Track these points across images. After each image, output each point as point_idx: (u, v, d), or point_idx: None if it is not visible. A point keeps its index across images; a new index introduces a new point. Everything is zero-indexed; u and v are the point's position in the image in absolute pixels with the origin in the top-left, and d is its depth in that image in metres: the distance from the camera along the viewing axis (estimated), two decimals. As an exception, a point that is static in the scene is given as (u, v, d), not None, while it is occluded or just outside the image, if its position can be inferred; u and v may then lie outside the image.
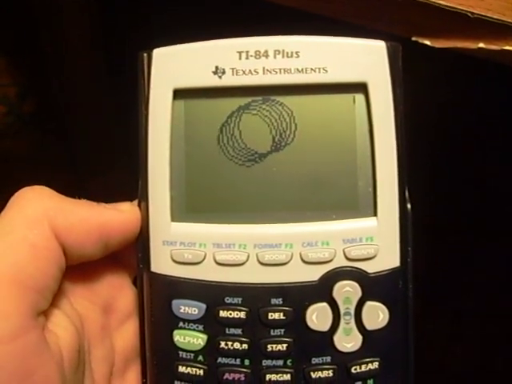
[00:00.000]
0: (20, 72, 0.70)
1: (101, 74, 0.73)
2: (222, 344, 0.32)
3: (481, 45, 0.36)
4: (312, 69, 0.31)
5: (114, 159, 0.74)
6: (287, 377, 0.31)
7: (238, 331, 0.32)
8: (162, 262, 0.32)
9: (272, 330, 0.31)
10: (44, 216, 0.29)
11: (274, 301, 0.31)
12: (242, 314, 0.31)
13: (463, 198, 0.69)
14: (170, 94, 0.32)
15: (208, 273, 0.32)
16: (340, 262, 0.31)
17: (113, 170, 0.73)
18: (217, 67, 0.31)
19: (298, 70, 0.31)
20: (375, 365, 0.32)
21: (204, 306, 0.32)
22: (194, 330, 0.32)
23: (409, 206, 0.32)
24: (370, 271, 0.32)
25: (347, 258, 0.31)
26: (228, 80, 0.31)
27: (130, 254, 0.33)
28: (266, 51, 0.31)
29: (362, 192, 0.32)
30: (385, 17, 0.37)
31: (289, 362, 0.32)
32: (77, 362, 0.30)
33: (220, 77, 0.31)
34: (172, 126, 0.32)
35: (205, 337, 0.32)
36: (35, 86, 0.71)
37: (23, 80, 0.70)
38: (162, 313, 0.32)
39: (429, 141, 0.61)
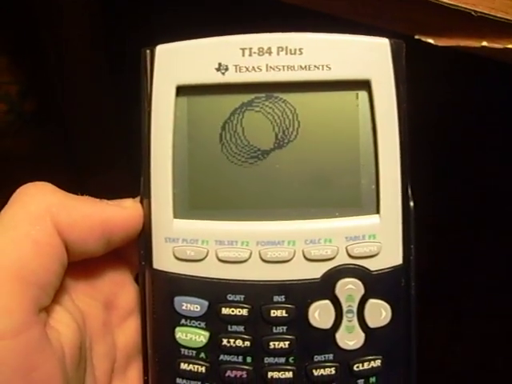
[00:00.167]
0: (21, 70, 0.70)
1: (101, 73, 0.73)
2: (224, 341, 0.31)
3: (484, 43, 0.36)
4: (315, 66, 0.31)
5: (114, 158, 0.74)
6: (289, 374, 0.31)
7: (241, 328, 0.31)
8: (164, 259, 0.32)
9: (274, 328, 0.31)
10: (47, 212, 0.29)
11: (276, 298, 0.31)
12: (245, 312, 0.31)
13: (463, 198, 0.69)
14: (173, 91, 0.32)
15: (210, 270, 0.31)
16: (343, 259, 0.31)
17: (113, 169, 0.73)
18: (220, 64, 0.31)
19: (301, 66, 0.31)
20: (377, 362, 0.32)
21: (206, 303, 0.32)
22: (196, 327, 0.32)
23: (411, 203, 0.32)
24: (372, 269, 0.32)
25: (350, 256, 0.31)
26: (231, 77, 0.31)
27: (132, 251, 0.33)
28: (270, 48, 0.31)
29: (365, 189, 0.32)
30: (388, 15, 0.37)
31: (291, 360, 0.32)
32: (78, 359, 0.30)
33: (223, 73, 0.31)
34: (175, 122, 0.32)
35: (207, 334, 0.32)
36: (36, 84, 0.71)
37: (24, 78, 0.70)
38: (164, 310, 0.32)
39: (429, 140, 0.61)
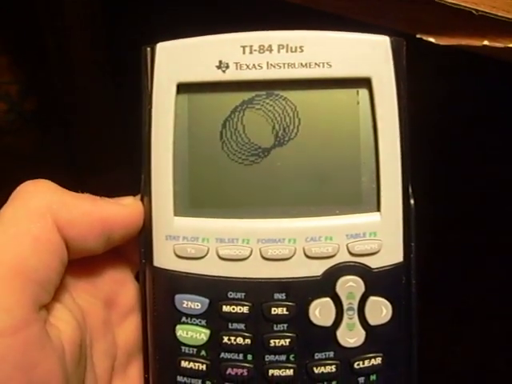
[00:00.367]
0: (22, 70, 0.70)
1: (102, 73, 0.73)
2: (225, 339, 0.31)
3: (485, 42, 0.36)
4: (316, 63, 0.31)
5: (115, 158, 0.74)
6: (290, 372, 0.31)
7: (241, 326, 0.31)
8: (164, 257, 0.32)
9: (275, 325, 0.31)
10: (47, 209, 0.29)
11: (277, 296, 0.31)
12: (245, 309, 0.31)
13: (463, 198, 0.69)
14: (174, 89, 0.32)
15: (211, 267, 0.32)
16: (343, 257, 0.31)
17: (113, 169, 0.73)
18: (220, 61, 0.31)
19: (301, 64, 0.31)
20: (378, 360, 0.32)
21: (207, 301, 0.32)
22: (196, 324, 0.32)
23: (412, 201, 0.32)
24: (373, 266, 0.32)
25: (350, 253, 0.31)
26: (232, 74, 0.31)
27: (133, 249, 0.33)
28: (270, 46, 0.31)
29: (366, 187, 0.32)
30: (389, 14, 0.37)
31: (292, 357, 0.32)
32: (78, 356, 0.30)
33: (224, 71, 0.31)
34: (175, 120, 0.32)
35: (208, 332, 0.32)
36: (36, 84, 0.71)
37: (24, 78, 0.70)
38: (165, 307, 0.32)
39: (429, 139, 0.61)
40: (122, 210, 0.32)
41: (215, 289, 0.31)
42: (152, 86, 0.32)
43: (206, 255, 0.31)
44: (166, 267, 0.32)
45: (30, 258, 0.28)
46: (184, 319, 0.32)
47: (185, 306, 0.32)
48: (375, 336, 0.32)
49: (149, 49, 0.32)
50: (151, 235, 0.32)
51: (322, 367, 0.31)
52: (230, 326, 0.32)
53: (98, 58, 0.72)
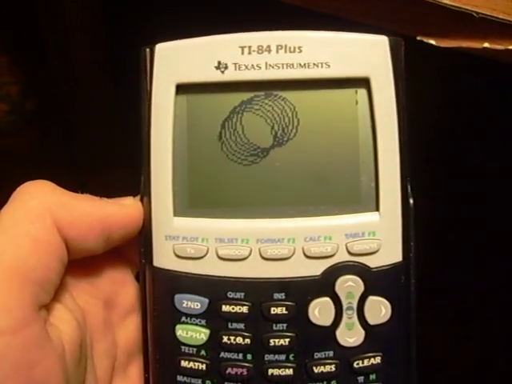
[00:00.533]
0: (22, 70, 0.70)
1: (102, 73, 0.73)
2: (225, 338, 0.32)
3: (486, 44, 0.36)
4: (314, 64, 0.31)
5: (115, 158, 0.74)
6: (289, 371, 0.31)
7: (241, 326, 0.32)
8: (164, 257, 0.32)
9: (274, 325, 0.31)
10: (46, 210, 0.30)
11: (276, 295, 0.31)
12: (245, 309, 0.31)
13: (463, 198, 0.69)
14: (173, 89, 0.32)
15: (210, 267, 0.32)
16: (342, 256, 0.32)
17: (113, 169, 0.73)
18: (219, 62, 0.31)
19: (300, 64, 0.31)
20: (377, 359, 0.32)
21: (206, 301, 0.32)
22: (196, 324, 0.32)
23: (411, 200, 0.32)
24: (372, 266, 0.32)
25: (350, 253, 0.31)
26: (230, 75, 0.31)
27: (133, 249, 0.33)
28: (269, 46, 0.31)
29: (365, 187, 0.32)
30: (390, 16, 0.37)
31: (291, 357, 0.32)
32: (79, 356, 0.30)
33: (222, 72, 0.31)
34: (174, 120, 0.32)
35: (207, 331, 0.32)
36: (37, 84, 0.71)
37: (25, 79, 0.70)
38: (165, 307, 0.32)
39: (428, 140, 0.61)
40: (122, 211, 0.32)
41: (215, 289, 0.32)
42: (151, 87, 0.32)
43: (205, 255, 0.32)
44: (166, 267, 0.32)
45: (29, 259, 0.28)
46: (184, 319, 0.32)
47: (184, 305, 0.32)
48: (374, 335, 0.32)
49: (148, 50, 0.32)
50: (151, 235, 0.32)
51: (322, 367, 0.31)
52: (229, 326, 0.32)
53: (98, 58, 0.72)
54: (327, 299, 0.32)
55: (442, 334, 0.68)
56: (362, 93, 0.32)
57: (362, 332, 0.32)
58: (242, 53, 0.31)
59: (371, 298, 0.32)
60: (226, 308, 0.31)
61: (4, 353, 0.26)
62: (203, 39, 0.32)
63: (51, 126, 0.73)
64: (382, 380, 0.32)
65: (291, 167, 0.32)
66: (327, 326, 0.32)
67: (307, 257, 0.31)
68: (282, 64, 0.31)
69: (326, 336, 0.32)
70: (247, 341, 0.31)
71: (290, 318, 0.31)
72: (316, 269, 0.32)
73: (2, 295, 0.27)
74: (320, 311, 0.31)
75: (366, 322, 0.32)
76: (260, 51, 0.31)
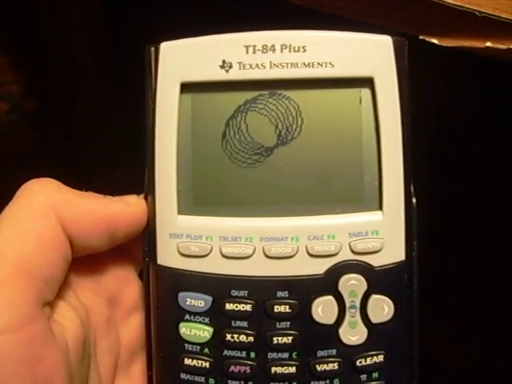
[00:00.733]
0: (23, 70, 0.70)
1: (103, 73, 0.73)
2: (228, 336, 0.32)
3: (488, 44, 0.36)
4: (319, 63, 0.31)
5: (115, 158, 0.74)
6: (292, 369, 0.32)
7: (244, 324, 0.32)
8: (168, 255, 0.32)
9: (278, 323, 0.32)
10: (51, 207, 0.30)
11: (279, 294, 0.32)
12: (248, 307, 0.31)
13: (463, 198, 0.69)
14: (177, 88, 0.32)
15: (214, 265, 0.32)
16: (346, 255, 0.32)
17: (115, 169, 0.73)
18: (224, 61, 0.31)
19: (304, 64, 0.31)
20: (380, 358, 0.32)
21: (210, 299, 0.32)
22: (200, 322, 0.32)
23: (414, 200, 0.32)
24: (375, 265, 0.32)
25: (353, 252, 0.32)
26: (235, 74, 0.31)
27: (136, 248, 0.33)
28: (273, 45, 0.31)
29: (368, 186, 0.32)
30: (392, 15, 0.37)
31: (294, 355, 0.32)
32: (82, 354, 0.30)
33: (227, 71, 0.31)
34: (179, 119, 0.32)
35: (211, 329, 0.32)
36: (38, 84, 0.71)
37: (26, 78, 0.70)
38: (168, 305, 0.32)
39: (429, 140, 0.61)
40: (126, 208, 0.32)
41: (218, 287, 0.32)
42: (156, 86, 0.32)
43: (209, 253, 0.32)
44: (170, 265, 0.32)
45: (33, 256, 0.28)
46: (187, 317, 0.32)
47: (188, 303, 0.32)
48: (377, 334, 0.32)
49: (153, 48, 0.32)
50: (155, 233, 0.32)
51: (325, 365, 0.32)
52: (233, 324, 0.32)
53: (99, 58, 0.73)
54: (330, 298, 0.32)
55: (442, 333, 0.68)
56: (365, 92, 0.32)
57: (365, 330, 0.32)
58: (247, 52, 0.31)
59: (374, 297, 0.32)
60: (229, 306, 0.32)
61: (9, 349, 0.27)
62: (208, 38, 0.32)
63: (51, 126, 0.73)
64: (385, 378, 0.32)
65: (295, 166, 0.32)
66: (330, 325, 0.32)
67: (311, 255, 0.32)
68: (287, 63, 0.31)
69: (329, 334, 0.32)
70: (250, 339, 0.32)
71: (293, 317, 0.32)
72: (319, 267, 0.32)
73: (7, 292, 0.27)
74: (323, 309, 0.32)
75: (369, 320, 0.32)
76: (264, 50, 0.31)
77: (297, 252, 0.31)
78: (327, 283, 0.32)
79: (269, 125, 0.32)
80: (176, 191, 0.32)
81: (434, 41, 0.37)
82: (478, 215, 0.70)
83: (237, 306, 0.32)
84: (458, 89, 0.67)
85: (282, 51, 0.31)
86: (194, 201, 0.32)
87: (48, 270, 0.29)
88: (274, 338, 0.32)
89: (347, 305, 0.32)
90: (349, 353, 0.32)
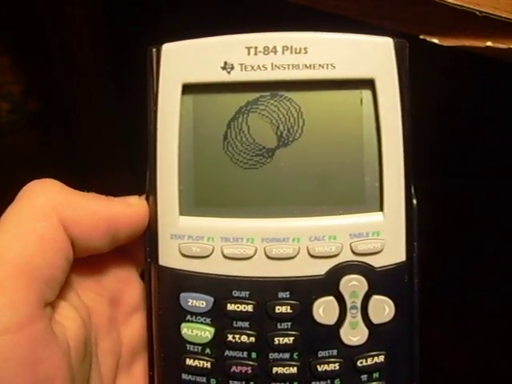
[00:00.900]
0: (24, 70, 0.70)
1: (103, 73, 0.73)
2: (230, 337, 0.32)
3: (488, 43, 0.36)
4: (320, 65, 0.31)
5: (115, 158, 0.74)
6: (294, 370, 0.32)
7: (246, 324, 0.32)
8: (170, 256, 0.32)
9: (279, 324, 0.32)
10: (53, 208, 0.30)
11: (281, 294, 0.32)
12: (250, 308, 0.32)
13: (464, 197, 0.70)
14: (179, 89, 0.32)
15: (216, 266, 0.32)
16: (347, 256, 0.32)
17: (113, 170, 0.73)
18: (225, 62, 0.31)
19: (306, 65, 0.31)
20: (381, 358, 0.32)
21: (212, 299, 0.32)
22: (201, 322, 0.32)
23: (414, 201, 0.32)
24: (376, 265, 0.32)
25: (354, 253, 0.32)
26: (236, 75, 0.31)
27: (138, 249, 0.33)
28: (275, 47, 0.31)
29: (369, 187, 0.32)
30: (393, 15, 0.37)
31: (295, 355, 0.32)
32: (83, 354, 0.30)
33: (229, 72, 0.32)
34: (181, 120, 0.32)
35: (212, 330, 0.32)
36: (39, 84, 0.71)
37: (27, 78, 0.70)
38: (170, 306, 0.32)
39: (430, 140, 0.61)
40: (128, 209, 0.32)
41: (220, 287, 0.32)
42: (157, 87, 0.32)
43: (210, 254, 0.32)
44: (171, 266, 0.32)
45: (35, 257, 0.28)
46: (189, 317, 0.32)
47: (190, 304, 0.32)
48: (378, 334, 0.32)
49: (154, 50, 0.32)
50: (156, 234, 0.32)
51: (326, 365, 0.32)
52: (234, 325, 0.32)
53: (100, 58, 0.72)
54: (331, 298, 0.32)
55: (442, 333, 0.69)
56: (366, 94, 0.32)
57: (366, 331, 0.32)
58: (248, 53, 0.31)
59: (375, 298, 0.32)
60: (230, 307, 0.32)
61: (10, 349, 0.27)
62: (210, 39, 0.32)
63: (52, 126, 0.73)
64: (386, 379, 0.32)
65: (296, 167, 0.32)
66: (331, 325, 0.32)
67: (312, 256, 0.32)
68: (288, 65, 0.31)
69: (330, 335, 0.32)
70: (252, 339, 0.32)
71: (294, 317, 0.32)
72: (320, 268, 0.32)
73: (8, 293, 0.27)
74: (324, 310, 0.32)
75: (370, 321, 0.32)
76: (266, 52, 0.31)
77: (298, 253, 0.32)
78: (328, 284, 0.32)
79: (270, 126, 0.32)
80: (178, 192, 0.32)
81: (435, 40, 0.37)
82: (479, 215, 0.70)
83: (238, 307, 0.32)
84: (459, 88, 0.67)
85: (283, 53, 0.31)
86: (196, 202, 0.32)
87: (49, 270, 0.29)
88: (275, 339, 0.32)
89: (348, 305, 0.32)
90: (350, 353, 0.32)
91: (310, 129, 0.32)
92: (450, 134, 0.68)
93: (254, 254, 0.32)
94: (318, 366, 0.32)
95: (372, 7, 0.37)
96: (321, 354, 0.32)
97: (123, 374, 0.34)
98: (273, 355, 0.32)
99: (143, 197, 0.33)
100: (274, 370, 0.32)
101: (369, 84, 0.32)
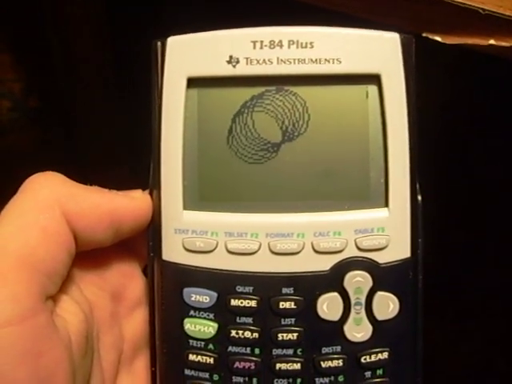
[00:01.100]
0: (25, 68, 0.70)
1: (104, 73, 0.73)
2: (233, 332, 0.32)
3: (492, 41, 0.36)
4: (326, 59, 0.31)
5: (115, 158, 0.74)
6: (297, 366, 0.32)
7: (249, 320, 0.32)
8: (173, 251, 0.32)
9: (283, 319, 0.32)
10: (56, 201, 0.30)
11: (285, 290, 0.31)
12: (253, 303, 0.31)
13: (464, 197, 0.69)
14: (184, 83, 0.32)
15: (220, 261, 0.32)
16: (351, 252, 0.32)
17: (113, 169, 0.73)
18: (231, 56, 0.31)
19: (311, 60, 0.31)
20: (385, 355, 0.32)
21: (215, 295, 0.32)
22: (204, 318, 0.32)
23: (419, 197, 0.32)
24: (381, 261, 0.32)
25: (359, 248, 0.32)
26: (242, 69, 0.31)
27: (141, 243, 0.33)
28: (281, 41, 0.31)
29: (374, 183, 0.32)
30: (396, 12, 0.37)
31: (299, 352, 0.32)
32: (85, 348, 0.30)
33: (234, 66, 0.31)
34: (185, 114, 0.32)
35: (215, 325, 0.32)
36: (40, 82, 0.71)
37: (28, 76, 0.70)
38: (173, 301, 0.32)
39: (432, 138, 0.61)
40: (131, 203, 0.32)
41: (223, 282, 0.32)
42: (162, 80, 0.32)
43: (214, 249, 0.32)
44: (175, 261, 0.32)
45: (37, 249, 0.28)
46: (192, 312, 0.32)
47: (193, 299, 0.32)
48: (382, 331, 0.32)
49: (159, 43, 0.32)
50: (160, 229, 0.32)
51: (329, 361, 0.32)
52: (237, 320, 0.32)
53: (101, 57, 0.72)
54: (335, 294, 0.32)
55: (443, 333, 0.68)
56: (372, 89, 0.32)
57: (370, 327, 0.32)
58: (254, 47, 0.31)
59: (379, 294, 0.32)
60: (234, 302, 0.31)
61: (11, 342, 0.26)
62: (215, 33, 0.32)
63: (52, 125, 0.73)
64: (389, 375, 0.32)
65: (301, 162, 0.32)
66: (335, 321, 0.32)
67: (316, 252, 0.31)
68: (294, 59, 0.31)
69: (334, 331, 0.32)
70: (255, 335, 0.31)
71: (298, 313, 0.31)
72: (325, 264, 0.32)
73: (9, 285, 0.27)
74: (328, 306, 0.32)
75: (374, 317, 0.32)
76: (272, 46, 0.31)
77: (302, 248, 0.31)
78: (332, 280, 0.32)
79: (275, 121, 0.32)
80: (182, 186, 0.32)
81: (438, 38, 0.37)
82: (479, 214, 0.70)
83: (242, 302, 0.31)
84: (462, 86, 0.67)
85: (289, 47, 0.31)
86: (200, 196, 0.32)
87: (51, 263, 0.29)
88: (279, 335, 0.31)
89: (352, 301, 0.32)
90: (353, 349, 0.32)
91: (315, 124, 0.32)
92: (451, 133, 0.68)
93: (258, 249, 0.31)
94: (322, 363, 0.32)
95: (374, 4, 0.37)
96: (324, 350, 0.32)
97: (125, 369, 0.33)
98: (276, 351, 0.32)
99: (147, 191, 0.33)
100: (278, 366, 0.32)
101: (375, 79, 0.32)
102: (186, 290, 0.32)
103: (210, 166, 0.32)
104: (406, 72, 0.32)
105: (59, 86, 0.71)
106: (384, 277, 0.32)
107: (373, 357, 0.32)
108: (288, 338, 0.31)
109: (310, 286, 0.32)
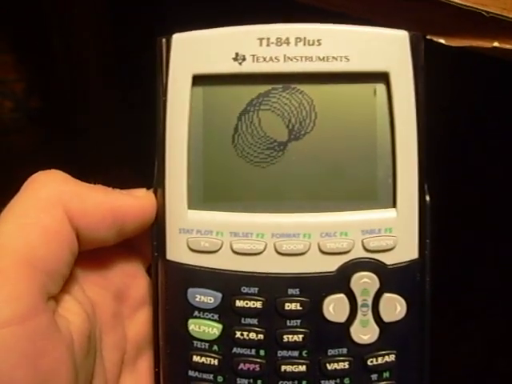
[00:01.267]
0: (27, 68, 0.70)
1: (105, 73, 0.73)
2: (238, 334, 0.31)
3: (495, 44, 0.36)
4: (333, 57, 0.31)
5: (115, 158, 0.74)
6: (303, 368, 0.31)
7: (254, 321, 0.31)
8: (178, 250, 0.32)
9: (288, 321, 0.31)
10: (58, 199, 0.29)
11: (290, 291, 0.31)
12: (259, 304, 0.31)
13: (464, 197, 0.69)
14: (189, 80, 0.31)
15: (225, 262, 0.31)
16: (358, 252, 0.31)
17: (113, 169, 0.72)
18: (237, 54, 0.31)
19: (319, 58, 0.31)
20: (392, 357, 0.31)
21: (220, 295, 0.31)
22: (209, 319, 0.31)
23: (427, 198, 0.32)
24: (388, 263, 0.31)
25: (365, 249, 0.31)
26: (248, 67, 0.31)
27: (145, 243, 0.33)
28: (288, 38, 0.31)
29: (382, 183, 0.32)
30: (399, 14, 0.37)
31: (304, 353, 0.31)
32: (87, 348, 0.30)
33: (240, 63, 0.31)
34: (190, 112, 0.31)
35: (220, 326, 0.31)
36: (42, 82, 0.71)
37: (30, 76, 0.70)
38: (177, 301, 0.32)
39: (434, 140, 0.61)
40: (135, 202, 0.31)
41: (228, 283, 0.31)
42: (167, 78, 0.31)
43: (219, 249, 0.31)
44: (179, 261, 0.32)
45: (39, 248, 0.28)
46: (196, 313, 0.31)
47: (197, 300, 0.31)
48: (389, 333, 0.31)
49: (164, 40, 0.31)
50: (164, 228, 0.32)
51: (335, 363, 0.31)
52: (242, 321, 0.31)
53: (102, 58, 0.72)
54: (342, 296, 0.31)
55: (443, 333, 0.68)
56: (380, 87, 0.31)
57: (377, 329, 0.31)
58: (261, 45, 0.31)
59: (386, 295, 0.31)
60: (239, 303, 0.31)
61: (12, 342, 0.26)
62: (221, 30, 0.31)
63: (53, 125, 0.73)
64: (396, 378, 0.32)
65: (308, 161, 0.32)
66: (341, 323, 0.31)
67: (323, 252, 0.31)
68: (301, 57, 0.31)
69: (340, 333, 0.31)
70: (260, 336, 0.31)
71: (304, 314, 0.31)
72: (331, 265, 0.31)
73: (10, 284, 0.27)
74: (334, 308, 0.31)
75: (381, 319, 0.31)
76: (279, 43, 0.31)
77: (309, 249, 0.31)
78: (339, 281, 0.31)
79: (282, 119, 0.32)
80: (186, 186, 0.31)
81: (442, 41, 0.37)
82: (479, 214, 0.69)
83: (247, 303, 0.31)
84: (466, 88, 0.66)
85: (296, 44, 0.31)
86: (205, 196, 0.32)
87: (53, 262, 0.28)
88: (284, 336, 0.31)
89: (359, 303, 0.31)
90: (360, 352, 0.31)
91: (322, 122, 0.32)
92: (451, 134, 0.68)
93: (264, 249, 0.31)
94: (328, 365, 0.31)
95: (378, 7, 0.37)
96: (330, 352, 0.31)
97: (128, 370, 0.33)
98: (281, 353, 0.31)
99: (151, 190, 0.32)
100: (283, 367, 0.31)
101: (383, 77, 0.31)
102: (190, 291, 0.31)
103: (216, 164, 0.32)
104: (415, 70, 0.31)
105: (60, 87, 0.71)
106: (391, 278, 0.31)
107: (379, 359, 0.31)
108: (293, 340, 0.31)
109: (316, 287, 0.31)
